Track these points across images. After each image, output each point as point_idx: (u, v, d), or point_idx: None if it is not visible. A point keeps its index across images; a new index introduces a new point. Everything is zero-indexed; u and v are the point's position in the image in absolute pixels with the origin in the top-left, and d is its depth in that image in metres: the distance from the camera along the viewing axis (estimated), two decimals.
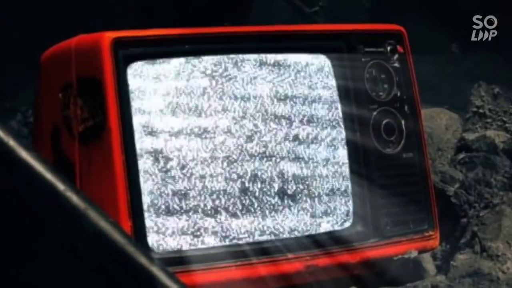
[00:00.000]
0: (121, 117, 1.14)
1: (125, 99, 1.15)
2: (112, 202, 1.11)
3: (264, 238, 1.22)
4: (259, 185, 1.22)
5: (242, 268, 1.18)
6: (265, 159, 1.24)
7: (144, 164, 1.15)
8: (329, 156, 1.30)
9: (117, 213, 1.10)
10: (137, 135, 1.15)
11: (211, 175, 1.19)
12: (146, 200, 1.14)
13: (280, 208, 1.24)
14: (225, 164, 1.20)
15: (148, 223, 1.14)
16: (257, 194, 1.22)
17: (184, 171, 1.17)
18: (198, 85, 1.20)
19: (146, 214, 1.14)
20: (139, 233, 1.11)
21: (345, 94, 1.32)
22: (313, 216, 1.27)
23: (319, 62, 1.31)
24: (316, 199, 1.28)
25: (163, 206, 1.15)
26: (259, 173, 1.23)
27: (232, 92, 1.23)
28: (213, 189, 1.19)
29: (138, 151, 1.14)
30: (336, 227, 1.29)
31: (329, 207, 1.29)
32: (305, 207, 1.26)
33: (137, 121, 1.15)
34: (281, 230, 1.24)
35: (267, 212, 1.23)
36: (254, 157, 1.22)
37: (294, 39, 1.36)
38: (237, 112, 1.22)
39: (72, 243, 0.49)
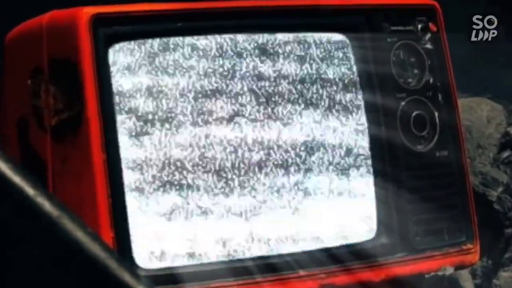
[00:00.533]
0: (102, 108, 1.13)
1: (107, 87, 1.14)
2: (91, 209, 1.11)
3: (271, 252, 1.22)
4: (267, 189, 1.22)
5: (245, 287, 1.18)
6: (274, 160, 1.23)
7: (129, 164, 1.15)
8: (348, 155, 1.30)
9: (97, 222, 1.10)
10: (120, 130, 1.15)
11: (209, 173, 1.19)
12: (131, 207, 1.14)
13: (289, 216, 1.24)
14: (226, 162, 1.20)
15: (134, 233, 1.14)
16: (264, 199, 1.22)
17: (178, 171, 1.17)
18: (194, 69, 1.20)
19: (131, 223, 1.14)
20: (123, 246, 1.11)
21: (368, 80, 1.32)
22: (329, 225, 1.27)
23: (337, 42, 1.31)
24: (333, 204, 1.28)
25: (152, 214, 1.15)
26: (267, 175, 1.22)
27: (236, 76, 1.22)
28: (213, 192, 1.19)
29: (121, 148, 1.14)
30: (356, 239, 1.29)
31: (348, 215, 1.29)
32: (321, 214, 1.26)
33: (121, 113, 1.15)
34: (291, 242, 1.24)
35: (275, 221, 1.23)
36: (262, 155, 1.23)
37: (307, 16, 1.35)
38: (238, 101, 1.23)
39: (44, 257, 0.49)
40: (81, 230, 0.49)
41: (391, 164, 1.32)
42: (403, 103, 1.33)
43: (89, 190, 1.13)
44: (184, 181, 1.18)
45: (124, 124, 1.16)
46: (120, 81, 1.16)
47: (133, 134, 1.16)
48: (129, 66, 1.17)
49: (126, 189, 1.14)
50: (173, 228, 1.17)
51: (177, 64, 1.19)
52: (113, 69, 1.16)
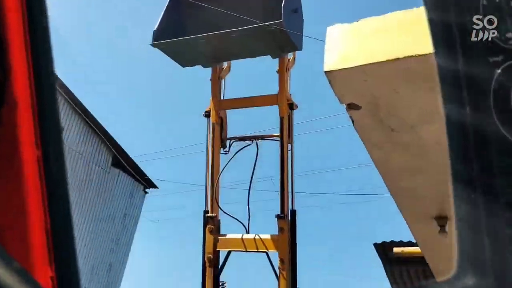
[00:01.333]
0: (36, 80, 1.12)
1: (44, 46, 1.13)
2: (19, 234, 1.08)
3: None
4: None
5: None
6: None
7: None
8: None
9: (28, 253, 1.06)
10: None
11: None
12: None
13: None
14: None
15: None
16: None
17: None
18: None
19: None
20: None
21: (445, 36, 1.32)
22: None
23: None
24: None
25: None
26: None
27: None
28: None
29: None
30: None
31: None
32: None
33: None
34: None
35: None
36: None
37: None
38: None
39: None
40: (4, 265, 0.49)
41: (479, 164, 1.31)
42: (498, 70, 1.33)
43: (17, 204, 1.10)
44: None
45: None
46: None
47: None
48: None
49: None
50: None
51: None
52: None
